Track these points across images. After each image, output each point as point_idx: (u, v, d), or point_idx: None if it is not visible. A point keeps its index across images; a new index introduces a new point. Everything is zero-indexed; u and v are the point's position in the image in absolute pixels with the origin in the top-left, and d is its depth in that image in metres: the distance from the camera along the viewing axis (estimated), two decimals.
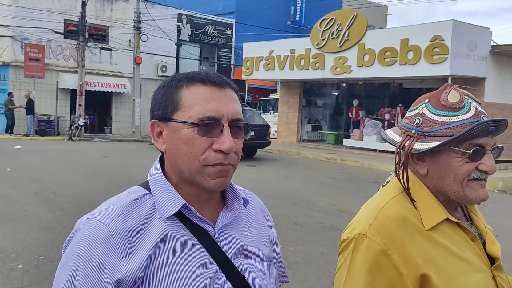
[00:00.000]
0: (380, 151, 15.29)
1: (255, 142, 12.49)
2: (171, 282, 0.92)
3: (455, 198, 1.08)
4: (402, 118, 10.70)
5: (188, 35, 26.61)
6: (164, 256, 0.93)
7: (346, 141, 16.62)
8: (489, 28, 12.54)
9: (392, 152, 7.19)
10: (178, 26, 25.99)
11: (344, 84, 18.50)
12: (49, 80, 20.98)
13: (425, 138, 1.06)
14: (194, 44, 27.05)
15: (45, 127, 20.54)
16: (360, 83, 17.29)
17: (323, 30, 14.65)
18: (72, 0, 21.90)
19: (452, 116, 1.05)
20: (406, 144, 1.08)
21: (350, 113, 17.12)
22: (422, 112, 1.09)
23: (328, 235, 5.73)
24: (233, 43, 28.23)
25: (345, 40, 14.05)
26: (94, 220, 0.93)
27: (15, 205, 6.56)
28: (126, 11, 23.53)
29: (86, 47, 21.28)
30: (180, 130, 0.94)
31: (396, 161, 1.11)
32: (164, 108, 0.97)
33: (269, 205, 1.51)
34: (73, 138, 19.17)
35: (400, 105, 15.35)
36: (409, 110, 1.16)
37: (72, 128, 19.57)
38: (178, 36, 25.98)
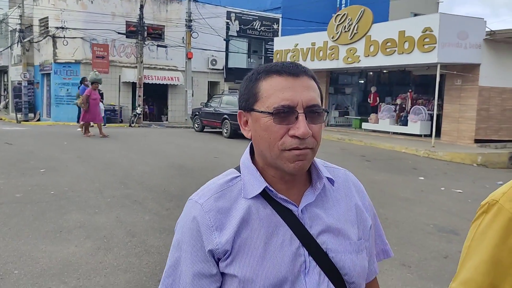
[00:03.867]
0: (394, 133, 16.64)
1: None
2: (255, 255, 1.03)
3: None
4: (411, 102, 13.48)
5: (237, 30, 28.91)
6: (249, 232, 1.04)
7: (364, 125, 18.11)
8: (483, 18, 13.53)
9: (403, 134, 11.05)
10: (227, 22, 28.41)
11: (371, 73, 19.91)
12: (113, 75, 24.26)
13: None
14: (242, 39, 29.30)
15: (110, 115, 23.86)
16: (384, 71, 18.62)
17: (337, 25, 16.27)
18: (132, 4, 25.02)
19: None
20: None
21: (368, 99, 18.55)
22: None
23: None
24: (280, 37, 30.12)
25: (355, 33, 15.60)
26: (192, 200, 1.10)
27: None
28: (179, 11, 26.29)
29: (144, 45, 24.38)
30: (260, 119, 1.03)
31: None
32: (246, 100, 1.07)
33: None
34: (132, 124, 22.30)
35: (410, 90, 16.60)
36: None
37: (131, 116, 22.74)
38: (227, 32, 28.37)
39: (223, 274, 1.05)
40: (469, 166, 11.76)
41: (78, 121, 22.87)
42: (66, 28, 23.14)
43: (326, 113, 1.06)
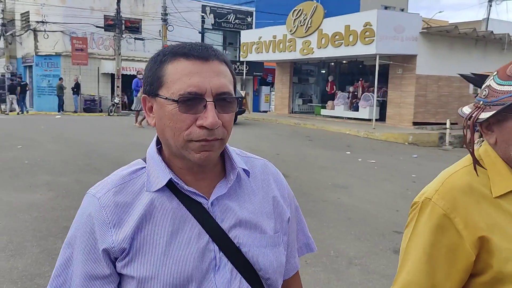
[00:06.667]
0: (348, 118, 18.26)
1: None
2: (156, 253, 0.95)
3: None
4: (362, 90, 15.51)
5: (212, 23, 30.29)
6: (151, 227, 0.96)
7: (323, 111, 19.74)
8: (419, 14, 15.17)
9: (355, 119, 13.34)
10: (202, 16, 29.79)
11: (332, 63, 21.49)
12: (92, 67, 25.49)
13: (490, 107, 1.09)
14: (217, 32, 30.70)
15: (90, 105, 25.19)
16: (344, 61, 20.21)
17: (294, 19, 17.81)
18: None
19: None
20: (473, 115, 1.12)
21: (326, 87, 20.19)
22: (489, 84, 1.12)
23: None
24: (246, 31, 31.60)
25: (309, 27, 17.15)
26: (90, 194, 1.01)
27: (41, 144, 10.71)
28: (155, 5, 27.55)
29: (122, 38, 25.67)
30: (165, 106, 0.94)
31: (465, 132, 1.13)
32: (151, 83, 0.98)
33: None
34: (110, 113, 23.66)
35: (361, 79, 18.24)
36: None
37: (110, 106, 24.11)
38: (202, 25, 29.74)
39: (120, 275, 0.98)
40: (401, 144, 13.41)
41: (58, 110, 24.39)
42: (46, 22, 24.35)
43: (238, 100, 0.99)
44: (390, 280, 3.98)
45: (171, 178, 0.98)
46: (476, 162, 1.12)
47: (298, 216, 1.20)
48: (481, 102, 1.12)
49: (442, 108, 16.15)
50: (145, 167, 1.03)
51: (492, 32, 16.21)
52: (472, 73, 13.64)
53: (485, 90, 1.13)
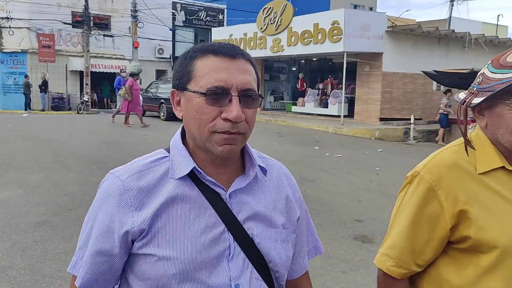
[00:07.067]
0: (318, 114, 18.61)
1: None
2: (175, 236, 1.00)
3: (509, 146, 1.16)
4: (331, 87, 15.86)
5: (183, 20, 30.22)
6: (171, 212, 1.01)
7: (293, 108, 20.05)
8: (385, 13, 15.62)
9: (325, 115, 13.46)
10: (173, 13, 29.68)
11: (303, 61, 21.82)
12: (60, 64, 25.04)
13: (482, 93, 1.16)
14: (189, 29, 30.65)
15: (59, 103, 24.75)
16: (314, 59, 20.56)
17: (265, 17, 18.03)
18: None
19: (506, 73, 1.13)
20: (466, 100, 1.20)
21: (297, 85, 20.51)
22: (484, 72, 1.19)
23: None
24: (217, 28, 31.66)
25: (279, 25, 17.41)
26: (114, 175, 1.05)
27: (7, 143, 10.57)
28: (125, 2, 27.27)
29: (91, 35, 25.35)
30: (193, 99, 1.00)
31: (458, 115, 1.21)
32: (180, 78, 1.04)
33: None
34: (80, 112, 23.34)
35: (330, 76, 18.63)
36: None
37: (79, 103, 23.79)
38: (173, 22, 29.64)
39: (137, 255, 1.02)
40: (368, 139, 13.82)
41: (25, 109, 23.90)
42: (12, 18, 23.80)
43: (261, 99, 1.04)
44: (349, 263, 4.28)
45: (195, 167, 1.03)
46: (467, 142, 1.20)
47: (307, 218, 1.26)
48: (475, 88, 1.20)
49: (407, 104, 16.68)
50: (167, 156, 1.08)
51: (453, 30, 16.83)
52: (434, 70, 14.25)
53: (479, 77, 1.20)
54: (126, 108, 14.19)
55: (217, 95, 0.98)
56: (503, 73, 1.13)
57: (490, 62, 1.21)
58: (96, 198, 1.07)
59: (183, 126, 1.09)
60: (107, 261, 1.03)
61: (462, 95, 1.26)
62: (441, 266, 1.24)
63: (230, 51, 1.01)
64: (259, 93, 1.05)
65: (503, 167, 1.18)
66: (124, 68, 19.37)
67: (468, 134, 1.24)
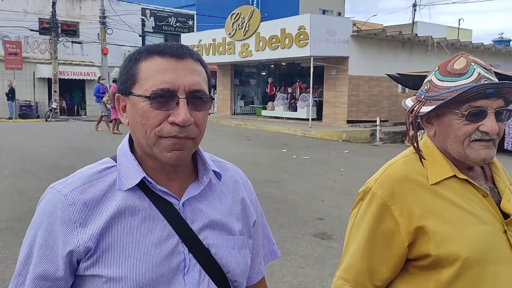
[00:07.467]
0: (287, 118, 18.87)
1: None
2: (125, 253, 0.93)
3: (458, 157, 1.14)
4: (300, 91, 16.15)
5: (152, 26, 30.17)
6: (120, 227, 0.94)
7: (263, 112, 20.27)
8: (349, 18, 16.02)
9: (294, 119, 13.58)
10: (142, 19, 29.59)
11: (272, 66, 22.08)
12: (28, 71, 24.65)
13: (430, 102, 1.13)
14: (158, 35, 30.57)
15: (26, 111, 24.34)
16: (283, 64, 20.86)
17: (233, 22, 18.22)
18: (44, 1, 25.51)
19: (455, 81, 1.10)
20: (415, 108, 1.16)
21: (266, 89, 20.76)
22: (431, 79, 1.17)
23: None
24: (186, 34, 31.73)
25: (247, 30, 17.63)
26: (55, 189, 0.96)
27: None
28: (93, 8, 27.08)
29: (59, 42, 25.06)
30: (138, 104, 0.94)
31: (407, 125, 1.18)
32: (124, 82, 0.98)
33: None
34: (48, 119, 22.98)
35: (298, 80, 18.94)
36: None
37: (48, 111, 23.42)
38: (142, 29, 29.56)
39: (83, 277, 0.94)
40: (335, 141, 14.11)
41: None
42: None
43: (212, 100, 0.99)
44: (307, 259, 4.46)
45: (144, 177, 0.97)
46: (419, 152, 1.18)
47: (263, 222, 1.22)
48: (423, 96, 1.18)
49: (374, 106, 17.11)
50: (115, 165, 1.01)
51: (416, 34, 17.39)
52: (398, 73, 14.69)
53: (427, 85, 1.18)
54: (113, 114, 14.40)
55: (163, 98, 0.93)
56: (451, 81, 1.12)
57: (436, 68, 1.20)
58: (35, 216, 0.98)
59: (130, 133, 1.04)
60: (52, 286, 0.95)
61: (409, 102, 1.24)
62: (401, 285, 1.20)
63: (176, 51, 0.96)
64: (210, 94, 1.01)
65: (454, 176, 1.17)
66: (102, 75, 19.25)
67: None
